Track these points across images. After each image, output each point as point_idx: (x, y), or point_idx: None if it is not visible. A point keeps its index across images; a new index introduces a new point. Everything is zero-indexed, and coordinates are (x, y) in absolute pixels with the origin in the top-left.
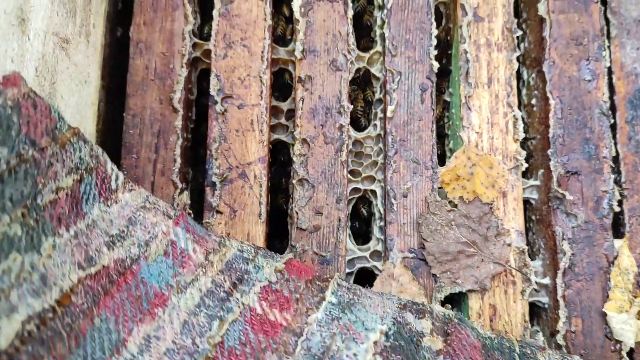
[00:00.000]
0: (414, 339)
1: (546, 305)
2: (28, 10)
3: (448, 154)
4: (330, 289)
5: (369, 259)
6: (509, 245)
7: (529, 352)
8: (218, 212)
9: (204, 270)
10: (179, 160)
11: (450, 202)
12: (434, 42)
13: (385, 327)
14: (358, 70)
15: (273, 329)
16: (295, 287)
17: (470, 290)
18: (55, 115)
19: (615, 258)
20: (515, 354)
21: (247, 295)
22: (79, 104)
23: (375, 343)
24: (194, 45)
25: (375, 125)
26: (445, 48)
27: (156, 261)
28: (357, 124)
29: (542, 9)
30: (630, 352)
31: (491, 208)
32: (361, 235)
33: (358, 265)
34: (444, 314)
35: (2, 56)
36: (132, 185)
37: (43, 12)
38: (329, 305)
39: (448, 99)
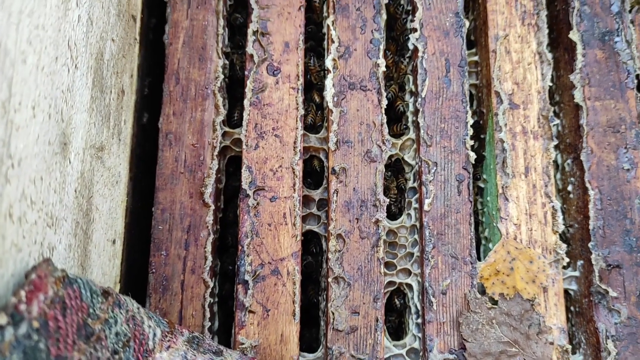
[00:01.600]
0: None
1: None
2: (70, 133)
3: (483, 242)
4: None
5: (405, 357)
6: (552, 343)
7: None
8: (250, 312)
9: None
10: (210, 257)
11: (491, 299)
12: (470, 131)
13: None
14: (390, 157)
15: None
16: None
17: None
18: (87, 300)
19: None
20: None
21: None
22: (111, 208)
23: None
24: (224, 134)
25: (409, 214)
26: (477, 131)
27: None
28: (389, 212)
29: (578, 96)
30: None
31: (532, 305)
32: (393, 327)
33: None
34: None
35: (45, 191)
36: (170, 340)
37: (83, 129)
38: None
39: (482, 185)
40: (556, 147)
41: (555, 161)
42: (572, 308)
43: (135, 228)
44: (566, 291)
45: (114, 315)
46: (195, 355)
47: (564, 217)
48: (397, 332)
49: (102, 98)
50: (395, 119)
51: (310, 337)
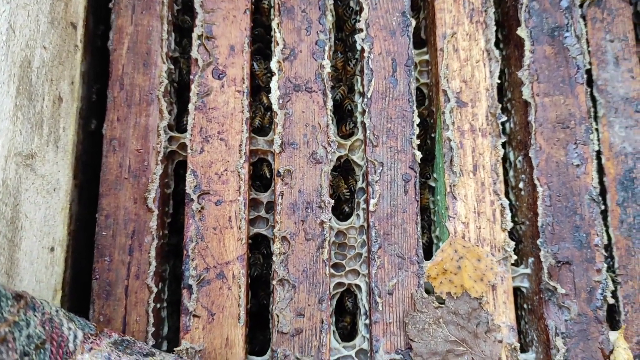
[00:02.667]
0: None
1: None
2: None
3: (435, 241)
4: None
5: (354, 358)
6: (500, 341)
7: None
8: (195, 316)
9: None
10: (154, 262)
11: (438, 298)
12: (416, 130)
13: None
14: (339, 158)
15: None
16: None
17: None
18: None
19: (611, 352)
20: None
21: None
22: (46, 215)
23: None
24: (170, 139)
25: (358, 215)
26: (427, 130)
27: None
28: (341, 213)
29: (526, 93)
30: None
31: (480, 303)
32: (346, 329)
33: None
34: None
35: None
36: (92, 342)
37: (4, 137)
38: None
39: (433, 184)
40: (509, 144)
41: (507, 158)
42: (525, 306)
43: (83, 235)
44: (519, 289)
45: (27, 318)
46: (119, 357)
47: (516, 215)
48: (350, 333)
49: (30, 106)
50: (345, 120)
51: (264, 340)
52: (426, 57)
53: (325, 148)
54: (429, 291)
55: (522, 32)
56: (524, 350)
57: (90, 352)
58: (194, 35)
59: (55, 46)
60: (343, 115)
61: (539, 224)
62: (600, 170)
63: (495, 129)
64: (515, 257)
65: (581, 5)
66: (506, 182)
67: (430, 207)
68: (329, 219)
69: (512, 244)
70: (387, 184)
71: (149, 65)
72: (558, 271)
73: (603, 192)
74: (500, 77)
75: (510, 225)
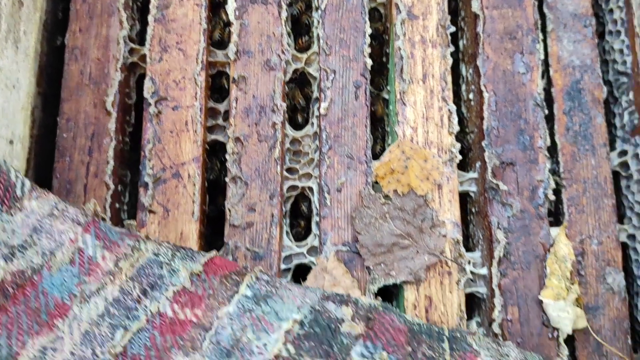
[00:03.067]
0: (332, 326)
1: (484, 296)
2: None
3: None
4: (246, 282)
5: (306, 255)
6: (444, 236)
7: (458, 335)
8: (151, 211)
9: (112, 278)
10: (112, 162)
11: (385, 196)
12: (368, 40)
13: (301, 315)
14: (296, 70)
15: (182, 326)
16: (210, 285)
17: (405, 282)
18: None
19: (552, 246)
20: (444, 336)
21: (157, 301)
22: (4, 108)
23: (287, 332)
24: (131, 51)
25: (312, 123)
26: (383, 46)
27: (60, 270)
28: (295, 123)
29: (475, 6)
30: (568, 340)
31: (425, 200)
32: (302, 233)
33: (295, 261)
34: (370, 304)
35: None
36: (40, 193)
37: None
38: (243, 298)
39: (387, 96)
40: (462, 60)
41: (461, 74)
42: (473, 209)
43: (47, 143)
44: (468, 194)
45: None
46: (66, 207)
47: (467, 124)
48: (305, 237)
49: None
50: (305, 34)
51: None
52: None
53: (279, 56)
54: (376, 190)
55: None
56: (472, 250)
57: (38, 199)
58: None
59: None
60: (301, 31)
61: (484, 127)
62: (548, 83)
63: (444, 40)
64: (460, 157)
65: None
66: (460, 96)
67: (384, 118)
68: (281, 122)
69: (458, 145)
70: (339, 90)
71: None
72: (502, 172)
73: (550, 103)
74: None
75: (457, 128)
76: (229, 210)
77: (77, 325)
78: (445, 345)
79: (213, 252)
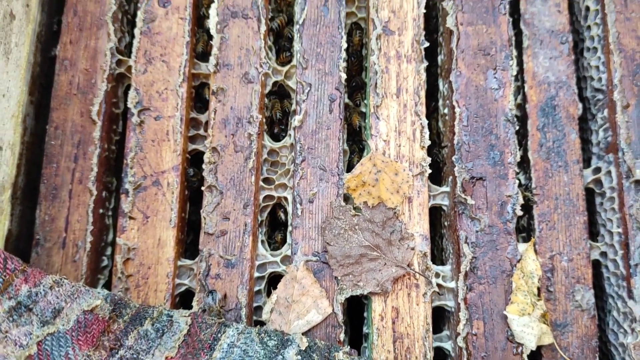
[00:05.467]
0: None
1: (452, 309)
2: None
3: None
4: None
5: (280, 264)
6: (413, 249)
7: None
8: (131, 218)
9: None
10: (95, 169)
11: (356, 207)
12: (344, 55)
13: None
14: (275, 83)
15: None
16: None
17: (372, 293)
18: None
19: (519, 262)
20: None
21: None
22: None
23: None
24: (119, 62)
25: (290, 135)
26: (362, 61)
27: None
28: (272, 134)
29: (450, 22)
30: (535, 356)
31: (395, 213)
32: (279, 247)
33: (269, 270)
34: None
35: None
36: None
37: None
38: None
39: (364, 110)
40: (439, 75)
41: (439, 89)
42: (445, 223)
43: (40, 150)
44: (441, 207)
45: None
46: (9, 328)
47: (442, 139)
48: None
49: None
50: (285, 49)
51: None
52: None
53: (257, 69)
54: (348, 202)
55: None
56: (443, 263)
57: None
58: None
59: None
60: (283, 45)
61: (455, 142)
62: (523, 99)
63: (419, 55)
64: (430, 171)
65: None
66: (437, 111)
67: (362, 132)
68: (257, 133)
69: (429, 159)
70: (314, 103)
71: None
72: (472, 186)
73: (524, 119)
74: (436, 13)
75: (428, 143)
76: (204, 219)
77: None
78: None
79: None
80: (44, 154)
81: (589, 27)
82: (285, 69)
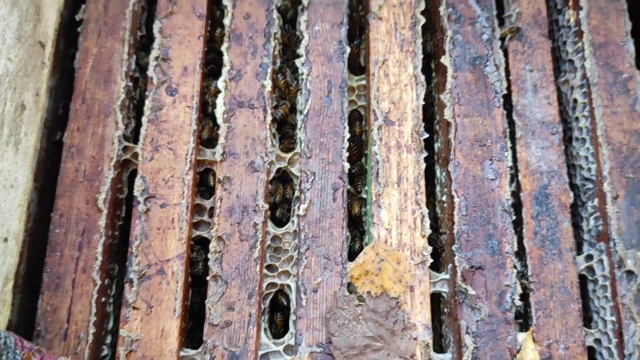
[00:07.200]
0: None
1: None
2: None
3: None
4: None
5: (282, 353)
6: (415, 339)
7: None
8: (134, 308)
9: None
10: (100, 258)
11: (359, 297)
12: (346, 145)
13: None
14: (279, 169)
15: None
16: None
17: None
18: None
19: (518, 352)
20: None
21: None
22: (1, 207)
23: None
24: (125, 149)
25: (293, 221)
26: (362, 148)
27: None
28: (275, 218)
29: (447, 114)
30: None
31: (398, 302)
32: (281, 331)
33: None
34: None
35: None
36: None
37: None
38: None
39: (365, 196)
40: (437, 162)
41: (436, 176)
42: (445, 310)
43: (42, 235)
44: (440, 294)
45: None
46: None
47: (441, 225)
48: (285, 330)
49: None
50: (288, 136)
51: None
52: (364, 82)
53: (263, 158)
54: (351, 291)
55: (445, 60)
56: (444, 351)
57: None
58: (151, 56)
59: (20, 60)
60: (286, 133)
61: (455, 231)
62: (517, 187)
63: (418, 145)
64: (431, 260)
65: (502, 39)
66: (435, 197)
67: (362, 218)
68: (262, 222)
69: (430, 249)
70: (318, 192)
71: (109, 82)
72: (472, 275)
73: (519, 207)
74: (432, 102)
75: (428, 231)
76: (209, 309)
77: None
78: None
79: None
80: (47, 242)
81: (577, 119)
82: (288, 155)
